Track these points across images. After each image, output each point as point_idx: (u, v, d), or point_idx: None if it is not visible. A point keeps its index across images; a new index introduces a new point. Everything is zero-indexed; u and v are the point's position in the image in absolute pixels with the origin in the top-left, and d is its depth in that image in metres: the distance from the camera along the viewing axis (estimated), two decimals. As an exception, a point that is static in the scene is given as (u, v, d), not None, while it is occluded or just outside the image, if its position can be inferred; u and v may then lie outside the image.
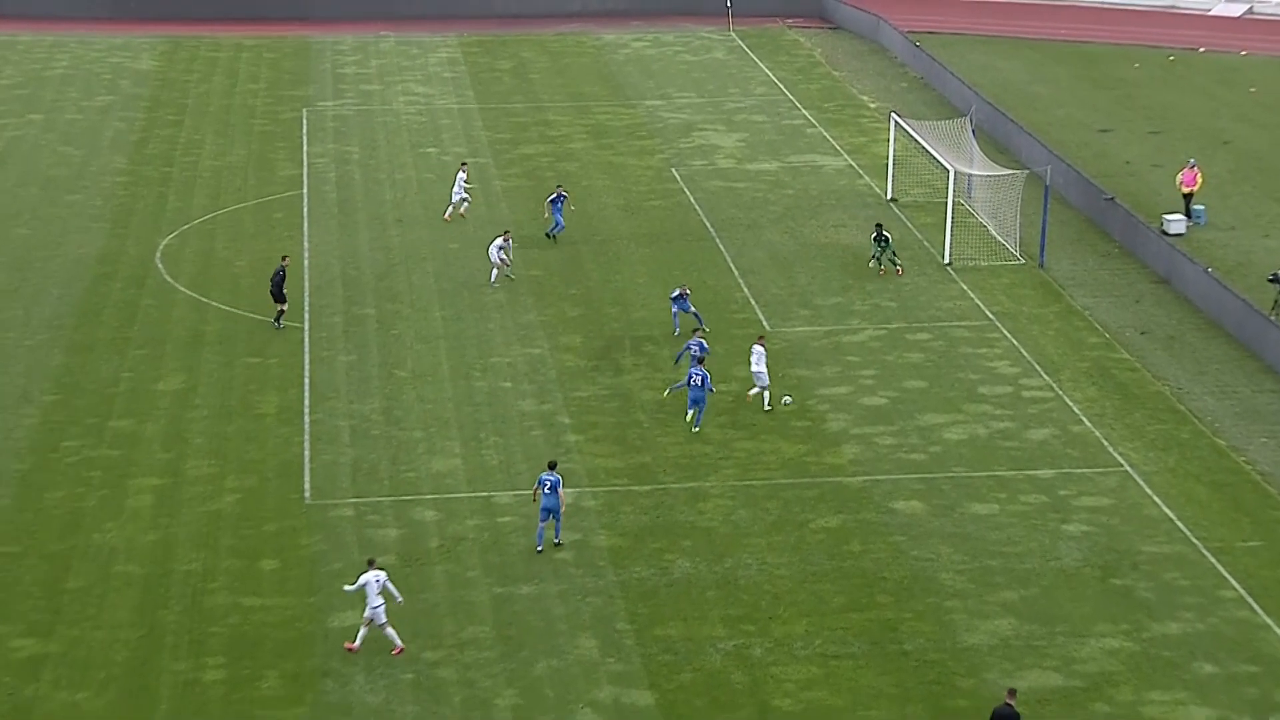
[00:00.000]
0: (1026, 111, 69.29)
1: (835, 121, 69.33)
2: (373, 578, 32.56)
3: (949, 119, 61.34)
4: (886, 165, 60.43)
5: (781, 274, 52.50)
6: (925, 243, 54.76)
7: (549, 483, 36.05)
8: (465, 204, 56.71)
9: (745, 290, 50.97)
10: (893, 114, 61.04)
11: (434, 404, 43.43)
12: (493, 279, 50.64)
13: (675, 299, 47.61)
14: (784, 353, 46.37)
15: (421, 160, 64.11)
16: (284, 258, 49.03)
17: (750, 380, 43.46)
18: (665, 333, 47.76)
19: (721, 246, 54.91)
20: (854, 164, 63.54)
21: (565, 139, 66.87)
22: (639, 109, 71.17)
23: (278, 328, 47.36)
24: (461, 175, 56.96)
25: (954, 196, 54.00)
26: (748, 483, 39.37)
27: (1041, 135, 64.50)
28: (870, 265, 52.30)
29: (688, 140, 66.75)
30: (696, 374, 41.70)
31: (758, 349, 43.05)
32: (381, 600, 32.54)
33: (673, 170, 62.86)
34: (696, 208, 58.62)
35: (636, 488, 39.04)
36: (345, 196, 59.97)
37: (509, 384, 44.65)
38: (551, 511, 36.11)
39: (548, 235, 54.41)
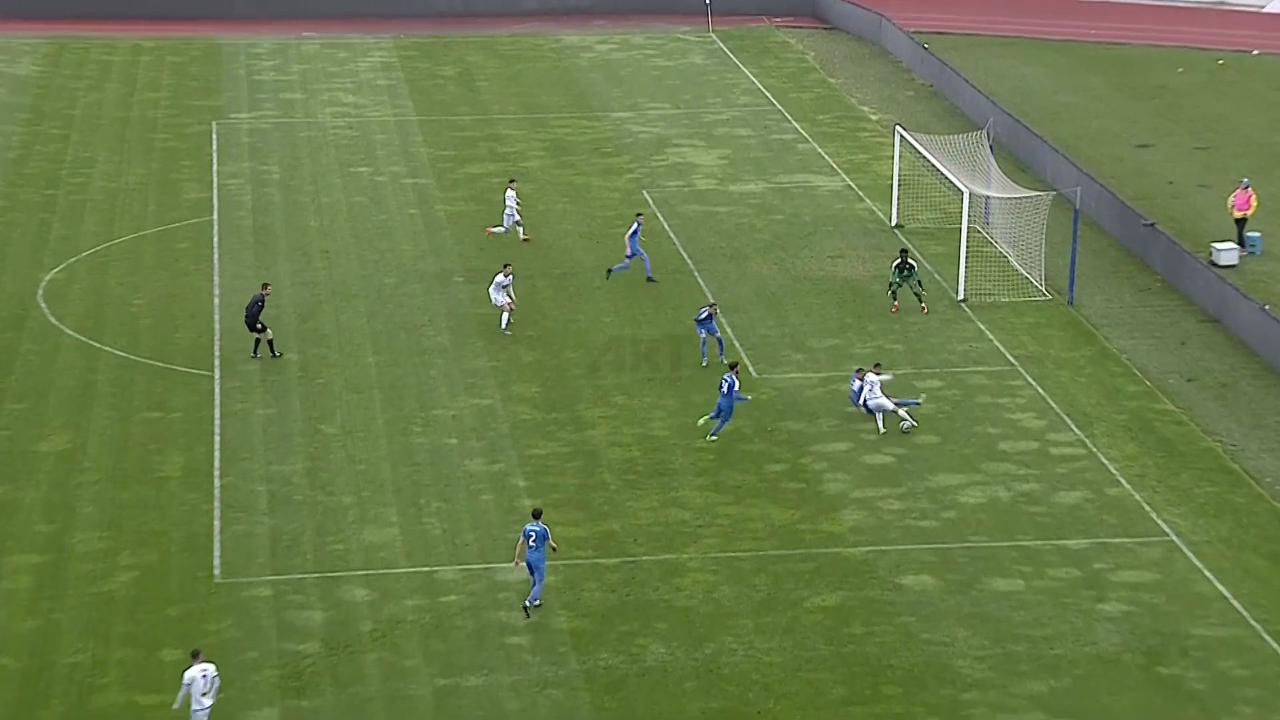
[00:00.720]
0: (1052, 124, 69.68)
1: (831, 136, 69.56)
2: (199, 673, 32.27)
3: (963, 133, 61.64)
4: (891, 186, 60.65)
5: (770, 312, 52.56)
6: (936, 276, 54.90)
7: (534, 534, 36.57)
8: (517, 227, 56.61)
9: (728, 331, 51.01)
10: (897, 127, 61.33)
11: (366, 464, 43.28)
12: (504, 325, 50.50)
13: (701, 321, 48.15)
14: (773, 403, 46.37)
15: (352, 181, 64.09)
16: (265, 286, 49.70)
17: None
18: (639, 380, 47.72)
19: (700, 280, 54.95)
20: (853, 185, 63.73)
21: (519, 156, 66.96)
22: (604, 122, 71.32)
23: (275, 356, 48.45)
24: (510, 194, 56.80)
25: (969, 222, 54.19)
26: (732, 554, 39.29)
27: (1070, 151, 64.84)
28: (888, 296, 52.33)
29: (661, 158, 66.88)
30: (726, 380, 43.43)
31: (873, 378, 44.59)
32: (210, 702, 32.14)
33: (644, 192, 62.97)
34: (671, 235, 58.69)
35: (603, 560, 38.93)
36: (263, 223, 59.88)
37: (454, 440, 44.55)
38: (536, 568, 36.60)
39: (615, 273, 54.16)
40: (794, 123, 71.16)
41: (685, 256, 56.93)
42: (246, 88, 75.49)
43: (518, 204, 57.28)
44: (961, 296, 53.39)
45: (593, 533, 39.98)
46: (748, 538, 39.99)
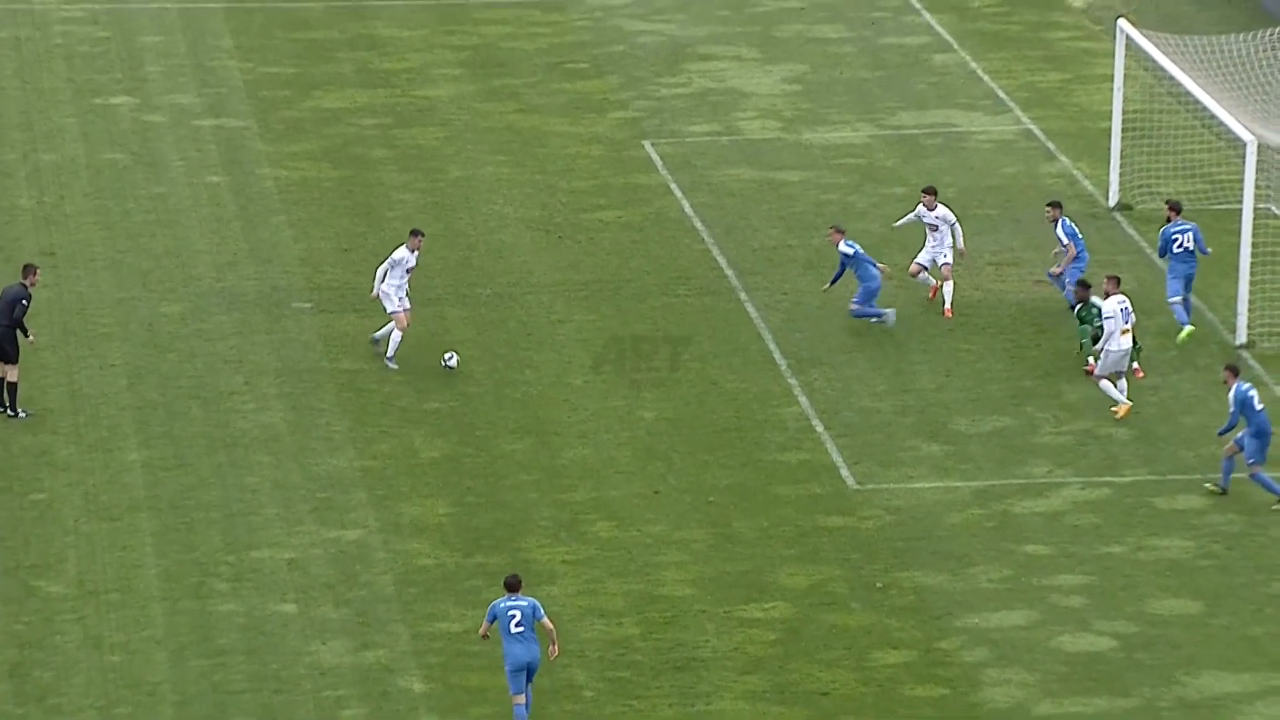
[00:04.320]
0: None
1: (997, 38, 69.92)
2: None
3: (1243, 32, 61.80)
4: (1108, 133, 60.82)
5: (879, 366, 52.74)
6: (1196, 301, 55.01)
7: (517, 614, 38.65)
8: (944, 265, 55.40)
9: (802, 401, 51.22)
10: (1121, 22, 61.50)
11: (126, 654, 43.34)
12: (380, 338, 52.33)
13: (848, 259, 53.87)
14: (885, 536, 46.47)
15: (99, 122, 64.54)
16: (30, 271, 50.86)
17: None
18: (638, 495, 47.85)
19: (751, 309, 55.14)
20: (1037, 130, 64.00)
21: (416, 77, 67.31)
22: (572, 13, 71.72)
23: (12, 413, 49.92)
24: (927, 210, 54.75)
25: (1256, 200, 54.34)
26: (811, 821, 39.57)
27: None
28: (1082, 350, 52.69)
29: (677, 81, 67.31)
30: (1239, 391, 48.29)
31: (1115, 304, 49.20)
32: None
33: (645, 145, 63.32)
34: (697, 224, 58.97)
35: (570, 832, 39.23)
36: (-67, 201, 60.36)
37: (291, 608, 44.63)
38: (531, 670, 38.76)
39: (1065, 282, 55.53)
40: (926, 14, 71.43)
41: (721, 263, 57.12)
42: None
43: (927, 225, 55.47)
44: (1242, 339, 53.60)
45: (552, 778, 40.24)
46: (839, 787, 40.23)
